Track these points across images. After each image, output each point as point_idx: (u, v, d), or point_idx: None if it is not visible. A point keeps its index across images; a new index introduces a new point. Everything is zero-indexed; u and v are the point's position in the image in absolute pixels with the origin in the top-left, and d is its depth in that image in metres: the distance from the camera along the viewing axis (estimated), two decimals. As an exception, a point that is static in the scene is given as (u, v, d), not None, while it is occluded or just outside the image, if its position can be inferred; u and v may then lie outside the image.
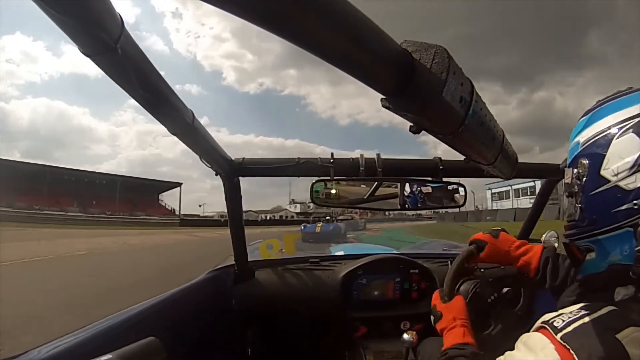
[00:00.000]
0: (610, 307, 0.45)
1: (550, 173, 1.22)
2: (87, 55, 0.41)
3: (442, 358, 0.72)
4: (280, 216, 56.83)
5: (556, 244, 1.12)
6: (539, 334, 0.47)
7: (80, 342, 0.64)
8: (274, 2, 0.23)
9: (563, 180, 0.63)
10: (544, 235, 1.15)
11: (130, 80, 0.47)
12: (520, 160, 0.67)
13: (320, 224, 10.93)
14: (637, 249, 0.46)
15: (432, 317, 0.87)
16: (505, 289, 1.13)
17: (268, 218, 52.59)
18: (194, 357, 1.05)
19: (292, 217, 55.32)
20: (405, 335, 1.00)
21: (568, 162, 0.61)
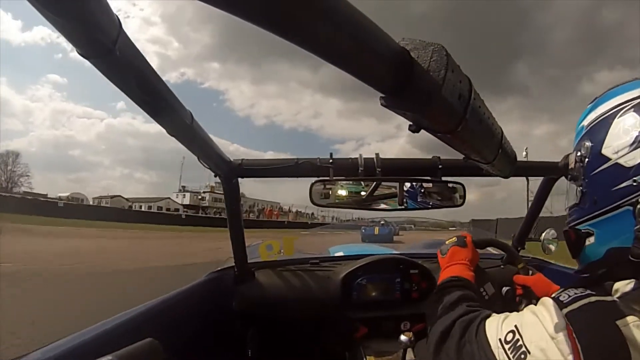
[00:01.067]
0: (613, 297, 0.46)
1: (549, 171, 1.22)
2: (86, 58, 0.41)
3: (433, 295, 0.74)
4: (160, 207, 41.30)
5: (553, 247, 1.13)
6: (550, 299, 0.49)
7: (80, 344, 0.64)
8: (273, 1, 0.23)
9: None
10: (543, 234, 1.15)
11: (128, 82, 0.47)
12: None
13: (377, 228, 12.29)
14: (636, 227, 0.46)
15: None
16: (505, 289, 1.13)
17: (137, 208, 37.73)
18: (194, 358, 1.05)
19: (177, 210, 40.05)
20: (402, 337, 1.00)
21: (573, 147, 0.61)
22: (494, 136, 0.47)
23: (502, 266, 1.26)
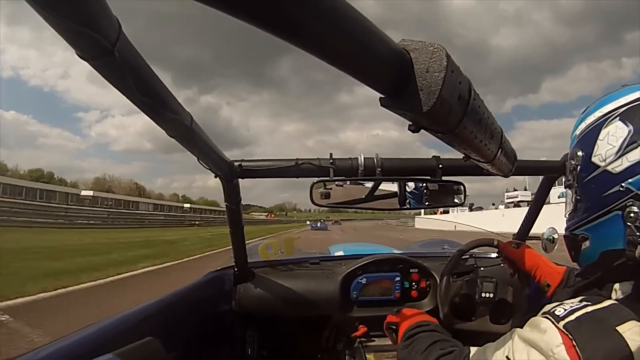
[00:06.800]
0: (611, 301, 0.46)
1: (550, 170, 1.22)
2: (85, 59, 0.40)
3: (400, 347, 0.76)
4: None
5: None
6: (541, 317, 0.49)
7: (80, 343, 0.64)
8: (271, 2, 0.23)
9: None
10: (544, 232, 1.15)
11: (128, 84, 0.47)
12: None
13: (319, 222, 21.00)
14: (627, 232, 0.48)
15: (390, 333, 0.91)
16: (508, 288, 1.14)
17: None
18: (193, 358, 1.05)
19: None
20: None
21: (569, 157, 0.63)
22: (494, 136, 0.47)
23: (502, 265, 1.26)
